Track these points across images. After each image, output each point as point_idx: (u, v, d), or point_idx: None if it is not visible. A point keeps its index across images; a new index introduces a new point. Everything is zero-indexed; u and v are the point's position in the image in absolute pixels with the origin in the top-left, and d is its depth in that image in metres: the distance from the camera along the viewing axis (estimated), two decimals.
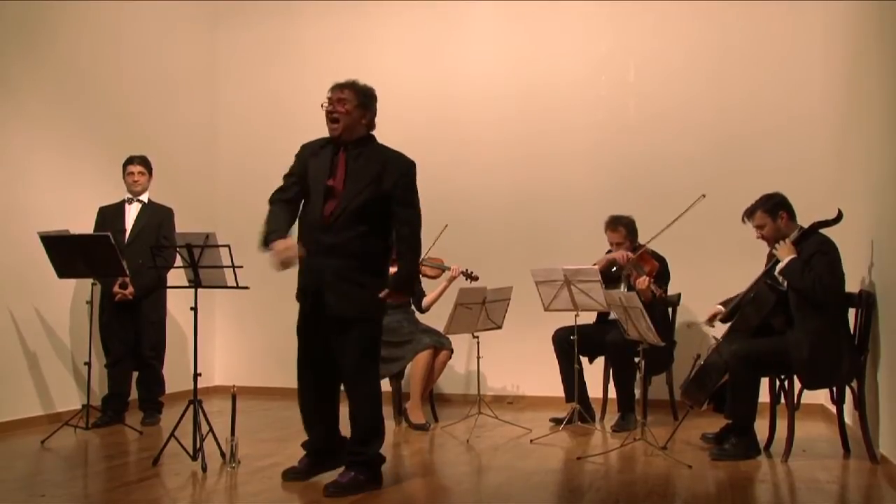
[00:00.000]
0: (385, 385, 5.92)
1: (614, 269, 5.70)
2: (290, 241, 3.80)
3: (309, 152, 4.00)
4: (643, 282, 5.42)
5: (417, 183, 3.84)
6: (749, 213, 4.84)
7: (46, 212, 5.75)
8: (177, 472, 4.31)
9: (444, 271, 5.97)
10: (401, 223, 3.92)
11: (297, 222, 3.99)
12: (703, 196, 5.41)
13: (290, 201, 3.99)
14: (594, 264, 5.61)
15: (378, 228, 3.89)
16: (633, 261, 5.56)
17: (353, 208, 3.80)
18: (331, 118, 3.89)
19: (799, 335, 4.53)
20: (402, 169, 3.92)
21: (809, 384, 4.59)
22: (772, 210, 4.75)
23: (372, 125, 4.01)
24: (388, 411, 5.97)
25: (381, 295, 3.88)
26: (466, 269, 5.91)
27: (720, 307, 5.00)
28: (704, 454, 4.70)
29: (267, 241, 3.83)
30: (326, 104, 3.90)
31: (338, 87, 3.93)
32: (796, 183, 5.54)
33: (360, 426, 3.94)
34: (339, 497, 3.76)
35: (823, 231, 4.68)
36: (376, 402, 4.00)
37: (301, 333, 4.05)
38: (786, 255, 4.63)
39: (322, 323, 3.91)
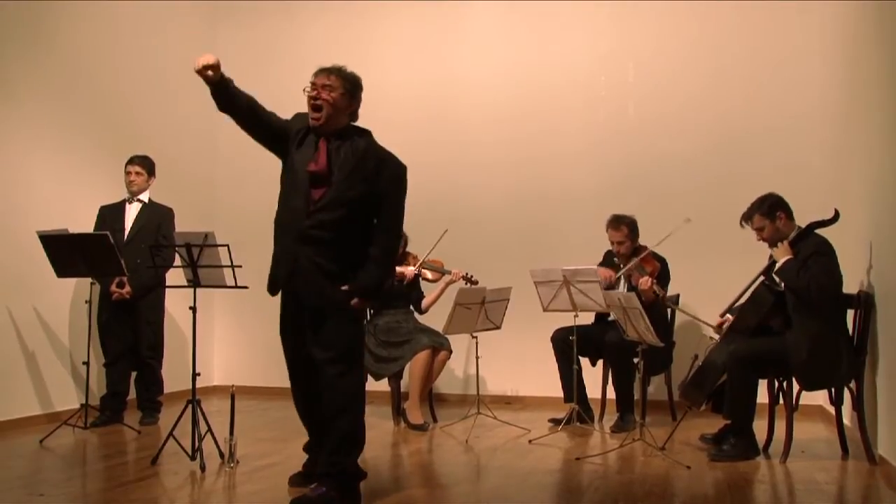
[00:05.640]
0: (384, 385, 5.97)
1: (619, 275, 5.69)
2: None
3: (298, 131, 3.72)
4: (646, 282, 5.42)
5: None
6: (746, 218, 4.83)
7: (45, 211, 5.74)
8: (175, 472, 4.31)
9: (444, 275, 5.97)
10: (385, 227, 3.66)
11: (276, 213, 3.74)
12: (688, 220, 5.44)
13: (262, 108, 3.72)
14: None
15: (362, 226, 3.64)
16: (636, 262, 5.57)
17: (344, 199, 3.56)
18: (313, 106, 3.61)
19: (797, 336, 4.53)
20: (398, 172, 3.70)
21: (808, 385, 4.59)
22: (769, 212, 4.75)
23: (355, 116, 3.75)
24: (386, 411, 6.03)
25: (351, 301, 3.57)
26: (467, 274, 5.90)
27: (729, 317, 4.97)
28: (703, 455, 4.71)
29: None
30: (309, 89, 3.63)
31: (324, 73, 3.65)
32: (795, 184, 5.54)
33: (336, 433, 3.61)
34: None
35: (822, 231, 4.68)
36: (360, 408, 3.69)
37: (282, 331, 3.83)
38: (781, 256, 4.63)
39: (299, 316, 3.70)
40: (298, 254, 3.60)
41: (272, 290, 3.76)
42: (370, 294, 3.65)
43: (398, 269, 5.83)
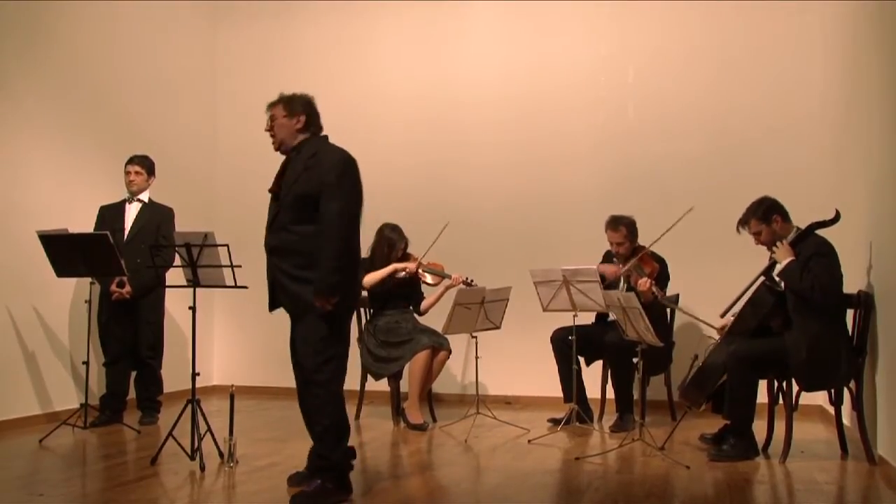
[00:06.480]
0: (383, 385, 5.96)
1: (605, 283, 5.68)
2: None
3: None
4: (644, 283, 5.42)
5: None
6: (743, 223, 4.83)
7: (45, 211, 5.74)
8: (175, 472, 4.31)
9: (444, 279, 5.96)
10: (321, 219, 3.66)
11: None
12: (692, 209, 5.33)
13: None
14: None
15: (318, 227, 3.69)
16: (634, 263, 5.56)
17: (285, 207, 3.75)
18: (270, 135, 3.93)
19: (797, 337, 4.53)
20: (331, 161, 3.73)
21: (808, 386, 4.59)
22: (764, 216, 4.74)
23: (314, 129, 3.90)
24: (386, 411, 6.03)
25: (315, 302, 3.66)
26: (467, 278, 5.89)
27: (730, 318, 4.96)
28: (703, 455, 4.71)
29: None
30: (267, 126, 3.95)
31: (269, 108, 3.95)
32: (795, 185, 5.54)
33: (319, 427, 3.74)
34: None
35: (821, 232, 4.68)
36: (336, 401, 3.76)
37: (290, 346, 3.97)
38: (783, 257, 4.62)
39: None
40: (271, 267, 3.83)
41: (269, 307, 3.94)
42: (325, 288, 3.62)
43: (399, 264, 5.83)
